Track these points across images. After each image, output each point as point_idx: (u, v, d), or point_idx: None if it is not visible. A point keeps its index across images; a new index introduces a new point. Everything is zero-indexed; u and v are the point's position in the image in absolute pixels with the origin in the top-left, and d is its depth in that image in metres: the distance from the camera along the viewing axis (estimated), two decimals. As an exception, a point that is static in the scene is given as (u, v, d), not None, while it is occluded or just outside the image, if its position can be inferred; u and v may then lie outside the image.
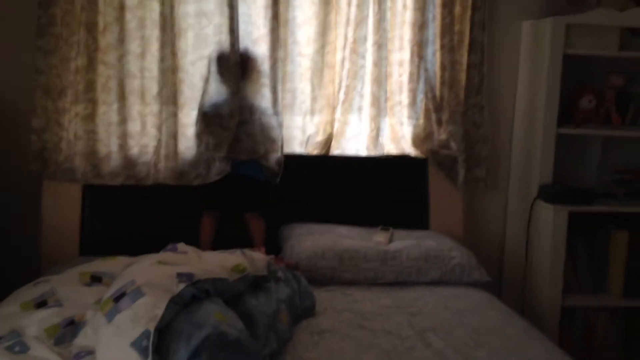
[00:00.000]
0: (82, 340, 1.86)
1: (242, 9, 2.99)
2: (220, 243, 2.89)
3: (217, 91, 2.97)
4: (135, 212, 3.04)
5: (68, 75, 2.92)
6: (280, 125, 3.06)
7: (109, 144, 2.99)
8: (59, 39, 2.89)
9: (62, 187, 2.94)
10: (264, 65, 3.01)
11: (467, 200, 3.35)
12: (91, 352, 1.79)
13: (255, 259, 2.31)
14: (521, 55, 3.34)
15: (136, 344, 1.67)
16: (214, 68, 2.96)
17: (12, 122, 2.97)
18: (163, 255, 2.17)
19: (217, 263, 2.13)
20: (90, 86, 2.94)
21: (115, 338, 1.70)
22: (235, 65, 2.92)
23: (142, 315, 1.73)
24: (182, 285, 1.87)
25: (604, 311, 3.24)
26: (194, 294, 1.89)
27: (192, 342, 1.72)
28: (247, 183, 3.03)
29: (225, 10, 2.92)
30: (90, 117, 2.96)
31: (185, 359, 1.68)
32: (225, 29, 2.93)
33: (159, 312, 1.75)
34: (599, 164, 3.40)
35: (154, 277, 1.89)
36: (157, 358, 1.69)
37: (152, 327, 1.70)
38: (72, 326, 1.91)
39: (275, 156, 3.04)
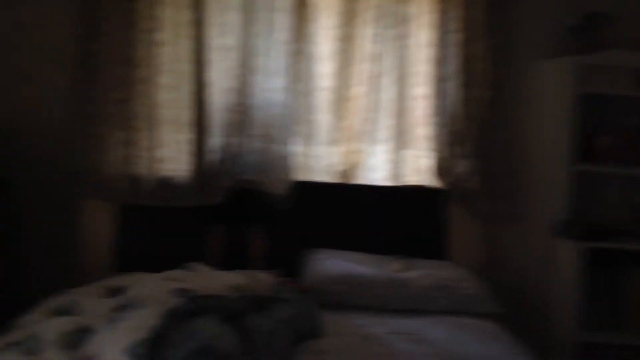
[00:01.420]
0: (89, 346, 2.00)
1: (264, 44, 3.17)
2: (230, 257, 3.11)
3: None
4: (166, 230, 3.21)
5: (108, 105, 3.13)
6: (292, 154, 3.22)
7: (144, 168, 3.18)
8: (99, 71, 3.11)
9: (99, 207, 3.14)
10: (281, 97, 3.17)
11: (488, 232, 3.39)
12: (95, 357, 1.93)
13: (261, 280, 2.43)
14: (541, 93, 3.39)
15: (130, 351, 1.81)
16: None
17: (57, 147, 3.20)
18: (173, 272, 2.31)
19: (220, 281, 2.27)
20: (131, 115, 3.15)
21: (113, 345, 1.85)
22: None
23: (138, 325, 1.87)
24: (179, 300, 2.00)
25: (624, 348, 3.21)
26: (191, 308, 2.01)
27: (181, 351, 1.84)
28: (249, 197, 3.18)
29: (243, 45, 3.13)
30: (131, 142, 3.16)
31: (174, 366, 1.81)
32: (242, 62, 3.13)
33: (154, 322, 1.89)
34: (618, 202, 3.40)
35: (156, 291, 2.04)
36: (149, 364, 1.82)
37: (145, 336, 1.84)
38: (84, 333, 2.06)
39: (284, 183, 3.17)
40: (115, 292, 2.40)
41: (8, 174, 2.96)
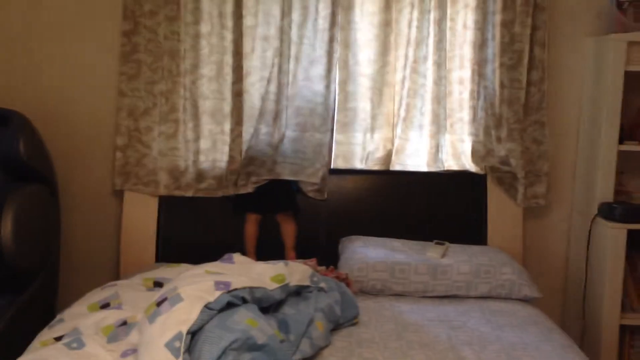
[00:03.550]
0: (131, 339, 2.09)
1: (306, 33, 3.19)
2: (266, 246, 3.21)
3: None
4: (204, 220, 3.29)
5: (151, 98, 3.20)
6: (331, 142, 3.25)
7: (185, 159, 3.26)
8: (142, 65, 3.19)
9: (142, 199, 3.23)
10: (319, 86, 3.19)
11: (528, 216, 3.37)
12: (136, 350, 2.03)
13: (298, 270, 2.48)
14: (584, 73, 3.33)
15: (169, 345, 1.89)
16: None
17: (98, 140, 3.30)
18: (213, 264, 2.38)
19: (258, 273, 2.32)
20: (173, 107, 3.22)
21: (153, 338, 1.92)
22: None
23: (177, 319, 1.95)
24: (218, 293, 2.07)
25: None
26: (229, 300, 2.09)
27: (220, 344, 1.91)
28: (279, 185, 3.23)
29: (281, 34, 3.16)
30: (173, 135, 3.24)
31: (212, 359, 1.88)
32: (280, 51, 3.17)
33: (193, 316, 1.97)
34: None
35: (195, 284, 2.10)
36: (188, 358, 1.90)
37: (184, 330, 1.92)
38: (125, 326, 2.16)
39: (321, 172, 3.21)
40: (157, 284, 2.49)
41: (50, 168, 3.06)
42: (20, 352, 2.11)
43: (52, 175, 3.06)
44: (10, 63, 3.23)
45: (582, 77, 3.35)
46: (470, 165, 3.36)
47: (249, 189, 3.20)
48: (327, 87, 3.19)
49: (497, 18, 3.23)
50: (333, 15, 3.16)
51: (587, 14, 3.31)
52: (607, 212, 3.09)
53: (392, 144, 3.34)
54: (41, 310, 2.88)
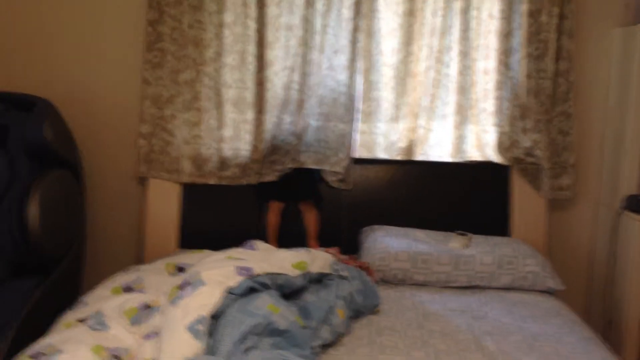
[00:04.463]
0: (154, 322, 2.12)
1: (330, 22, 3.19)
2: (288, 234, 3.24)
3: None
4: (227, 207, 3.30)
5: (175, 86, 3.22)
6: (354, 132, 3.24)
7: (209, 147, 3.28)
8: (166, 54, 3.21)
9: (165, 186, 3.25)
10: (342, 75, 3.19)
11: (553, 208, 3.34)
12: (159, 333, 2.05)
13: (319, 258, 2.48)
14: (612, 63, 3.29)
15: (191, 328, 1.90)
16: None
17: (123, 128, 3.33)
18: (235, 250, 2.39)
19: (280, 259, 2.33)
20: (197, 96, 3.24)
21: (175, 321, 1.94)
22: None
23: (199, 303, 1.97)
24: (240, 278, 2.09)
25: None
26: (251, 286, 2.10)
27: (241, 328, 1.93)
28: (302, 174, 3.25)
29: (305, 24, 3.16)
30: (196, 123, 3.26)
31: (233, 342, 1.89)
32: (304, 41, 3.17)
33: (215, 300, 1.98)
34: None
35: (217, 269, 2.12)
36: (210, 341, 1.91)
37: (206, 313, 1.93)
38: (148, 310, 2.18)
39: (345, 162, 3.21)
40: (179, 269, 2.51)
41: (75, 154, 3.09)
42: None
43: (77, 161, 3.10)
44: (36, 50, 3.27)
45: (609, 68, 3.30)
46: (493, 156, 3.33)
47: (273, 177, 3.22)
48: (351, 76, 3.19)
49: (524, 7, 3.19)
50: (357, 5, 3.15)
51: (615, 4, 3.27)
52: (633, 204, 3.04)
53: (415, 134, 3.33)
54: (66, 293, 2.92)
